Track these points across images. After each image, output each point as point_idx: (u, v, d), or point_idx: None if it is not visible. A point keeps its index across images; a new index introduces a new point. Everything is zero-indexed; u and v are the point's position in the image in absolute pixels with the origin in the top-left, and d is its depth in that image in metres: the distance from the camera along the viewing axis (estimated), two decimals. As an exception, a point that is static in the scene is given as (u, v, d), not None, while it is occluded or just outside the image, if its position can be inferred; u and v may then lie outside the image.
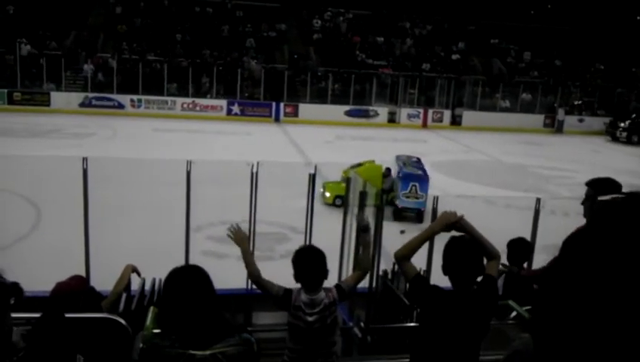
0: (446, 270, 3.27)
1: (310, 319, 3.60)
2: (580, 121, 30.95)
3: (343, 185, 13.12)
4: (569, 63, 34.64)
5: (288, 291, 3.69)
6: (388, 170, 14.02)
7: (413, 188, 12.44)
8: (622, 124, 28.23)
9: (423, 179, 12.74)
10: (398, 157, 14.49)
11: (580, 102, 31.82)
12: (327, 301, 3.64)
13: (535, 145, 25.53)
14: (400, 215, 12.56)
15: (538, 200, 6.51)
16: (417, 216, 12.55)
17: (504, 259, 5.49)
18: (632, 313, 0.93)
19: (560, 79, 33.16)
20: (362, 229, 4.07)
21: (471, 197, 13.88)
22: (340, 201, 12.58)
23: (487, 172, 18.74)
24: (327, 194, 13.25)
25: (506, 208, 13.56)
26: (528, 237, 6.42)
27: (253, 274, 3.81)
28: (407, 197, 12.35)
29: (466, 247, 3.24)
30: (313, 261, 3.65)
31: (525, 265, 5.59)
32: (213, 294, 2.58)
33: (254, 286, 6.32)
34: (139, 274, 5.13)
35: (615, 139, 28.04)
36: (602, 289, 1.02)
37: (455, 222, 3.33)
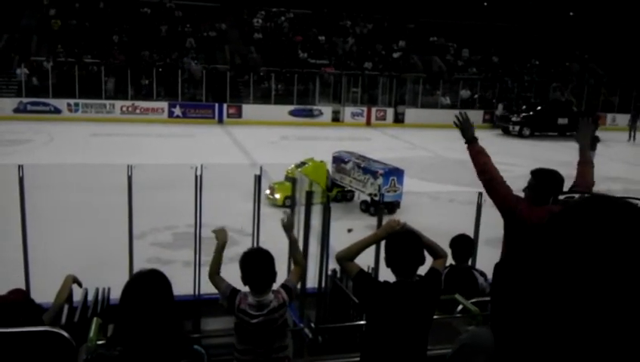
0: (388, 262, 3.37)
1: (254, 321, 3.57)
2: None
3: (289, 184, 13.15)
4: (506, 59, 35.65)
5: (234, 292, 3.67)
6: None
7: (393, 181, 12.80)
8: (513, 118, 28.30)
9: (401, 173, 13.13)
10: (339, 155, 14.43)
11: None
12: (275, 303, 3.63)
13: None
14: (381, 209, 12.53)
15: (480, 195, 6.63)
16: (389, 207, 12.63)
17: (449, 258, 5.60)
18: (585, 309, 0.95)
19: (497, 75, 34.09)
20: (285, 228, 4.11)
21: (416, 193, 14.11)
22: (289, 202, 12.52)
23: (431, 168, 19.07)
24: (277, 196, 13.18)
25: (449, 203, 13.83)
26: (471, 230, 6.57)
27: (212, 270, 3.85)
28: (388, 191, 12.58)
29: (406, 239, 3.35)
30: (260, 263, 3.63)
31: (470, 261, 5.70)
32: (173, 302, 2.51)
33: (202, 292, 6.24)
34: (80, 285, 4.97)
35: (507, 132, 28.02)
36: (556, 288, 1.04)
37: (399, 231, 3.45)
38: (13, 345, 3.50)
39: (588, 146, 4.60)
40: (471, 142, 4.34)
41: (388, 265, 3.38)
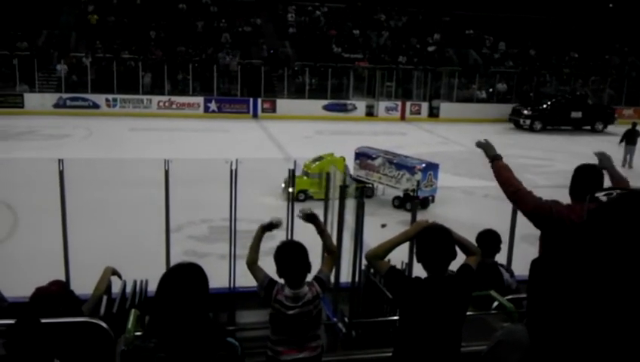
0: (419, 257, 3.37)
1: (290, 312, 3.61)
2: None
3: (306, 178, 13.21)
4: (543, 52, 34.99)
5: (272, 283, 3.71)
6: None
7: (430, 176, 12.88)
8: (525, 112, 27.62)
9: (436, 167, 13.19)
10: (364, 151, 14.21)
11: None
12: (310, 295, 3.66)
13: (512, 134, 25.75)
14: (421, 205, 12.31)
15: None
16: (422, 202, 12.67)
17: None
18: (627, 309, 0.94)
19: (535, 68, 33.49)
20: (307, 219, 4.09)
21: (449, 188, 13.99)
22: (303, 196, 12.65)
23: (465, 163, 18.86)
24: (291, 189, 13.22)
25: (484, 198, 13.67)
26: (506, 226, 6.48)
27: (250, 258, 3.87)
28: (426, 186, 12.67)
29: (437, 235, 3.35)
30: (295, 256, 3.66)
31: (505, 258, 5.63)
32: (208, 295, 2.53)
33: (237, 285, 6.29)
34: (120, 276, 5.08)
35: (519, 126, 27.37)
36: (596, 286, 1.03)
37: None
38: (54, 335, 3.59)
39: (614, 168, 4.53)
40: (494, 160, 4.34)
41: (419, 260, 3.38)
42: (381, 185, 13.70)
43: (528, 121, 27.08)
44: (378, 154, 13.90)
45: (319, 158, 13.73)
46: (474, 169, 17.78)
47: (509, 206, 6.64)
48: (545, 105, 27.80)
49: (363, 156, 14.06)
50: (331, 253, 4.07)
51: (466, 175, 16.70)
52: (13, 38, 28.37)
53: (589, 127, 27.39)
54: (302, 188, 12.90)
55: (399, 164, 13.31)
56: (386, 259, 3.51)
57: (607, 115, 28.05)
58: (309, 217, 4.09)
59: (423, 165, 13.04)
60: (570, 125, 27.25)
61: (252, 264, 3.86)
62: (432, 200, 12.83)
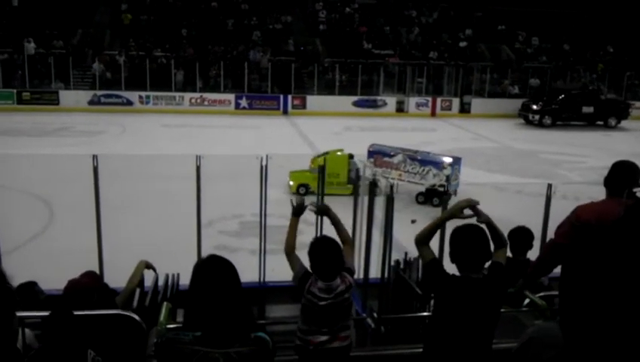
0: (453, 257, 3.29)
1: (322, 303, 3.66)
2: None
3: (308, 173, 13.29)
4: (577, 47, 34.34)
5: (307, 274, 3.76)
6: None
7: (456, 170, 13.01)
8: (534, 107, 26.94)
9: (459, 161, 13.31)
10: (378, 148, 14.15)
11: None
12: (343, 286, 3.71)
13: (545, 130, 25.36)
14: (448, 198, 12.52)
15: (549, 186, 6.45)
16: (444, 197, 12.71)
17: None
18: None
19: (569, 63, 32.89)
20: (320, 212, 4.16)
21: (481, 185, 13.85)
22: (303, 190, 12.77)
23: (497, 159, 18.66)
24: (291, 183, 13.37)
25: (516, 194, 13.50)
26: (540, 224, 6.39)
27: (288, 246, 3.95)
28: (454, 180, 12.80)
29: (472, 234, 3.24)
30: (329, 251, 3.71)
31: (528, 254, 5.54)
32: (240, 287, 2.55)
33: (267, 280, 6.35)
34: (154, 270, 5.15)
35: (529, 122, 26.77)
36: (632, 282, 1.01)
37: (473, 206, 3.34)
38: (88, 327, 3.67)
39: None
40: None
41: (453, 260, 3.29)
42: (401, 182, 13.56)
43: (537, 117, 26.49)
44: (396, 151, 13.82)
45: (326, 153, 13.77)
46: (507, 165, 17.62)
47: (541, 202, 6.58)
48: (553, 101, 27.14)
49: (378, 154, 13.95)
50: (347, 243, 4.06)
51: (498, 171, 16.53)
52: (49, 36, 28.95)
53: (601, 123, 26.69)
54: (303, 182, 13.20)
55: (424, 160, 13.31)
56: (429, 250, 3.44)
57: (620, 110, 27.26)
58: (322, 210, 4.18)
59: (451, 160, 13.06)
60: (581, 120, 26.55)
61: (289, 252, 3.93)
62: (455, 194, 12.79)
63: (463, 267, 3.25)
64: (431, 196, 12.79)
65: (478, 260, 3.23)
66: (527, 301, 4.51)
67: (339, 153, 13.93)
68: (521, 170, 16.65)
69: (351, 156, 13.67)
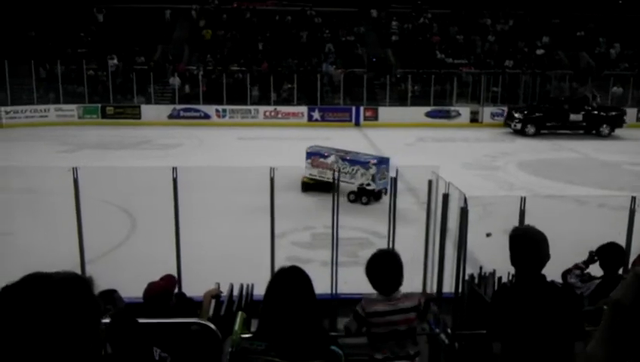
0: (513, 261, 3.26)
1: (387, 319, 3.62)
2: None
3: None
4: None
5: (356, 316, 3.74)
6: None
7: (383, 170, 13.62)
8: (517, 115, 25.46)
9: (387, 161, 14.07)
10: (315, 150, 15.10)
11: None
12: (409, 304, 3.66)
13: (629, 140, 24.20)
14: (375, 197, 13.59)
15: (633, 199, 6.17)
16: (376, 195, 13.62)
17: (597, 266, 5.24)
18: None
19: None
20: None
21: (560, 197, 13.38)
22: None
23: (578, 170, 17.96)
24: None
25: (599, 208, 12.94)
26: (624, 239, 6.11)
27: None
28: (380, 179, 13.47)
29: (529, 238, 3.20)
30: (386, 265, 3.67)
31: (621, 271, 5.29)
32: (315, 299, 2.57)
33: (339, 291, 6.36)
34: (218, 298, 5.20)
35: (516, 131, 25.28)
36: None
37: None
38: (164, 334, 3.80)
39: None
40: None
41: (513, 263, 3.27)
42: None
43: (519, 125, 25.15)
44: (330, 152, 14.72)
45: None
46: (589, 176, 16.92)
47: (624, 216, 6.30)
48: (536, 109, 25.87)
49: (315, 155, 14.84)
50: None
51: (579, 183, 15.90)
52: (131, 53, 30.31)
53: (594, 132, 24.93)
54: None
55: (353, 160, 14.10)
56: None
57: (613, 118, 25.33)
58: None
59: (376, 160, 13.81)
60: (568, 129, 24.96)
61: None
62: (385, 193, 13.10)
63: (521, 271, 3.24)
64: (361, 195, 13.52)
65: (536, 264, 3.17)
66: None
67: None
68: (604, 182, 15.95)
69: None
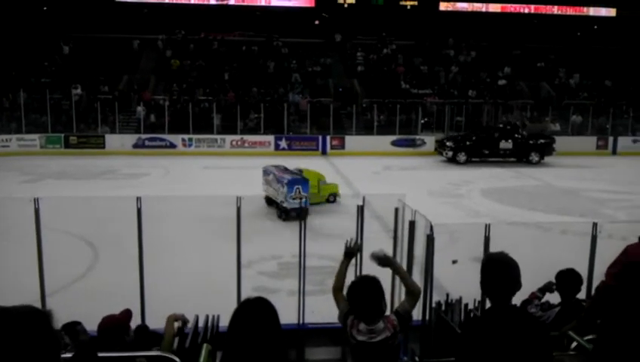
0: (484, 287, 3.20)
1: (362, 346, 3.57)
2: (634, 141, 30.03)
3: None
4: (620, 83, 33.81)
5: (347, 315, 3.67)
6: None
7: (298, 189, 14.03)
8: (448, 143, 26.14)
9: (305, 182, 14.56)
10: (265, 168, 16.06)
11: None
12: (388, 333, 3.55)
13: (588, 168, 24.85)
14: (288, 215, 14.08)
15: (595, 225, 6.30)
16: (299, 214, 13.58)
17: (555, 293, 5.34)
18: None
19: (611, 99, 32.37)
20: (382, 264, 3.96)
21: (524, 224, 13.59)
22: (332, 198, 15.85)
23: (540, 197, 18.32)
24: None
25: (562, 234, 13.19)
26: (586, 263, 6.22)
27: (336, 284, 3.96)
28: (294, 198, 13.83)
29: (502, 264, 3.16)
30: (369, 291, 3.55)
31: (583, 295, 5.39)
32: (280, 330, 2.54)
33: (306, 321, 6.31)
34: (184, 322, 5.11)
35: (449, 159, 25.81)
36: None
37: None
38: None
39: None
40: None
41: (484, 292, 3.24)
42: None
43: (450, 153, 25.70)
44: (271, 170, 15.48)
45: (300, 172, 15.74)
46: (551, 203, 17.27)
47: (587, 242, 6.42)
48: (467, 137, 26.54)
49: (265, 174, 15.85)
50: (411, 294, 3.82)
51: (541, 210, 16.21)
52: (96, 83, 30.06)
53: (524, 159, 25.59)
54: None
55: (278, 178, 14.75)
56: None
57: (542, 146, 25.97)
58: (383, 261, 3.92)
59: (288, 179, 14.28)
60: (499, 156, 25.55)
61: (336, 290, 3.92)
62: (307, 213, 13.21)
63: (495, 297, 3.17)
64: (284, 211, 14.21)
65: (506, 291, 3.13)
66: (574, 344, 4.37)
67: (305, 172, 15.90)
68: (568, 209, 16.29)
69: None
